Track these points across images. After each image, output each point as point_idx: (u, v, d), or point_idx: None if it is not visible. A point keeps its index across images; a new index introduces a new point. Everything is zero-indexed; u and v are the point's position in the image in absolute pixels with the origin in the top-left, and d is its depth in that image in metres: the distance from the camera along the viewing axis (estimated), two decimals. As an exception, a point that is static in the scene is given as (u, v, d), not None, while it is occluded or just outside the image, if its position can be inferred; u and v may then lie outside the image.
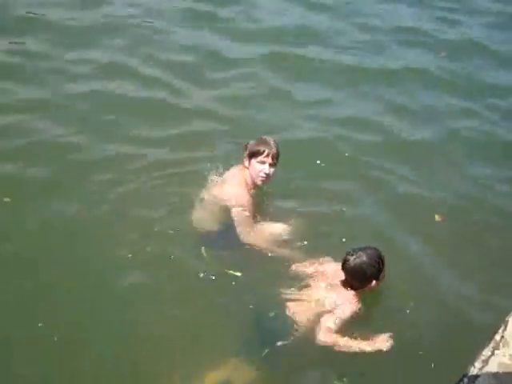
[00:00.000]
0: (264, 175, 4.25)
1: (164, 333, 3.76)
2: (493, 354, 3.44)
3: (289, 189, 4.86)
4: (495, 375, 3.29)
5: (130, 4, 7.91)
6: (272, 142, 4.27)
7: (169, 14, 7.85)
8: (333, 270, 3.92)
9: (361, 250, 3.70)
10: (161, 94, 6.23)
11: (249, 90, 6.46)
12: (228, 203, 4.24)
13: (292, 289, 3.90)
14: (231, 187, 4.31)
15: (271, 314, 3.73)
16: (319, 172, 5.22)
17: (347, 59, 7.15)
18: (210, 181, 4.50)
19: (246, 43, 7.31)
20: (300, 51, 7.22)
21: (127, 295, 3.96)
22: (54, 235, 4.34)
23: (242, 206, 4.22)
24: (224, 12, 7.95)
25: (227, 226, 4.27)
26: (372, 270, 3.67)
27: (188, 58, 6.91)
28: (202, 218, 4.36)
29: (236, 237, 4.23)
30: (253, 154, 4.25)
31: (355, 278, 3.70)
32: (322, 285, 3.86)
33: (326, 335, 3.58)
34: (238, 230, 4.21)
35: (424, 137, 5.90)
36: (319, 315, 3.71)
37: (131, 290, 3.99)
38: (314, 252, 4.23)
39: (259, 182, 4.30)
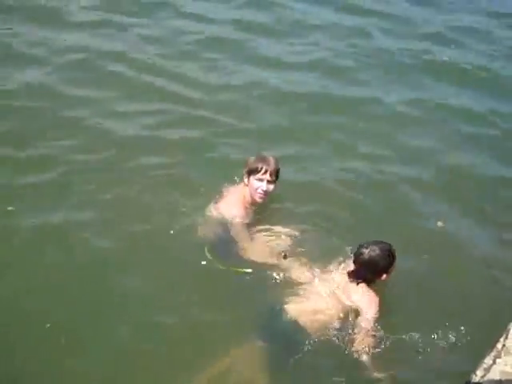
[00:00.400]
0: (262, 192, 4.27)
1: (168, 332, 3.82)
2: (494, 362, 3.46)
3: (291, 200, 4.88)
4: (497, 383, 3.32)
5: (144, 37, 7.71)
6: (271, 159, 4.29)
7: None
8: (338, 271, 4.01)
9: (374, 243, 3.81)
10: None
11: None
12: (224, 219, 4.28)
13: (303, 287, 3.96)
14: (228, 203, 4.34)
15: (278, 308, 3.77)
16: (323, 185, 5.24)
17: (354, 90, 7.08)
18: (213, 195, 4.55)
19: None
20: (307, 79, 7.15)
21: (130, 298, 4.00)
22: (57, 240, 4.37)
23: (237, 222, 4.25)
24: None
25: (226, 235, 4.30)
26: (384, 262, 3.79)
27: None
28: (203, 226, 4.39)
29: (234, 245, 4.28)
30: (251, 172, 4.28)
31: (368, 270, 3.79)
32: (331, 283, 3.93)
33: (365, 337, 3.67)
34: (238, 243, 4.24)
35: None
36: (334, 314, 3.78)
37: (134, 292, 4.04)
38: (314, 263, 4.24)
39: (258, 200, 4.32)
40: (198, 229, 4.40)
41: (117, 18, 7.75)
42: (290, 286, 3.99)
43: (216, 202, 4.43)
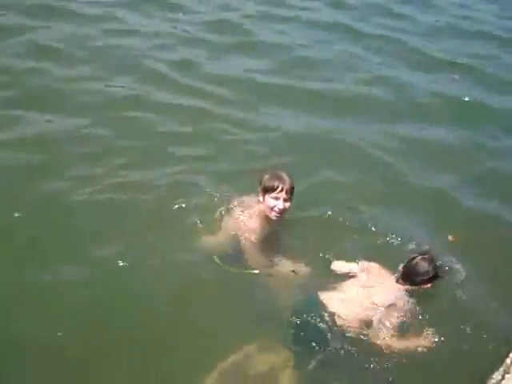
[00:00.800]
0: (278, 210, 4.25)
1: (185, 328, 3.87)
2: (503, 378, 3.42)
3: (306, 217, 4.84)
4: (506, 399, 3.24)
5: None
6: (286, 177, 4.25)
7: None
8: (378, 268, 4.20)
9: (425, 253, 4.11)
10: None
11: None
12: (239, 232, 4.27)
13: (330, 283, 4.08)
14: (244, 217, 4.31)
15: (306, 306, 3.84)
16: (340, 204, 5.16)
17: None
18: (226, 207, 4.52)
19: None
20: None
21: (143, 300, 4.02)
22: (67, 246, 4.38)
23: (250, 237, 4.23)
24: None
25: (238, 248, 4.30)
26: (434, 271, 4.04)
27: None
28: (215, 239, 4.38)
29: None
30: (267, 190, 4.24)
31: (416, 276, 4.01)
32: (364, 278, 4.09)
33: (384, 337, 3.80)
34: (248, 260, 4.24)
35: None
36: (364, 310, 3.88)
37: (147, 294, 4.07)
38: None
39: (273, 218, 4.30)
40: (210, 237, 4.40)
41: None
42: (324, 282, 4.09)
43: (232, 214, 4.42)
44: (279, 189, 4.17)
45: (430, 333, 3.84)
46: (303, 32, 8.83)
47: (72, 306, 3.94)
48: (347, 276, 4.20)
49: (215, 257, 4.22)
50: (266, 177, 4.26)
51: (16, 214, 4.52)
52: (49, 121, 5.80)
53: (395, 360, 3.70)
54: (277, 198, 4.20)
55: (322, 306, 3.82)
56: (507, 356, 3.54)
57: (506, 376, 3.41)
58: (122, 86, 6.67)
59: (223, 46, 7.97)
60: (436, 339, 3.80)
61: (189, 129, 6.01)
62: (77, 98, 6.24)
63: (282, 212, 4.26)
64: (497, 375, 3.45)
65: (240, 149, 5.76)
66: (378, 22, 9.55)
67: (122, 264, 4.23)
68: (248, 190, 4.61)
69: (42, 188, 4.86)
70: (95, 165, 5.22)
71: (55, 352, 3.64)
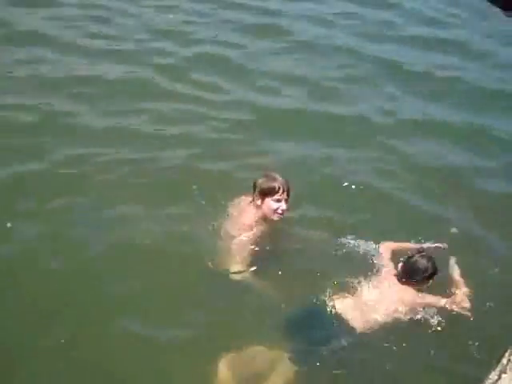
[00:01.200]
0: (281, 212, 4.30)
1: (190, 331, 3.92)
2: (500, 377, 3.41)
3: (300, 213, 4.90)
4: (502, 399, 3.25)
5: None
6: (280, 178, 4.32)
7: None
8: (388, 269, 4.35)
9: (422, 252, 4.28)
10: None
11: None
12: (234, 236, 4.29)
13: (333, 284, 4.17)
14: (241, 222, 4.34)
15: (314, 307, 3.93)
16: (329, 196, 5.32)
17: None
18: (223, 213, 4.55)
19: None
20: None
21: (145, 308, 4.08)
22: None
23: (253, 243, 4.26)
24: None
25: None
26: (433, 268, 4.21)
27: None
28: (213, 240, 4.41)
29: None
30: (267, 193, 4.28)
31: (416, 275, 4.17)
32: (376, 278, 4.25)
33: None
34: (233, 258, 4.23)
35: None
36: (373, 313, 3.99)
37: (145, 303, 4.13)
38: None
39: (276, 219, 4.35)
40: (206, 241, 4.43)
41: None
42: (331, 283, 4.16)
43: (229, 219, 4.43)
44: (280, 190, 4.23)
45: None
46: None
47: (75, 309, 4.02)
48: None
49: (209, 263, 4.24)
50: (262, 180, 4.30)
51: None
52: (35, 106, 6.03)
53: (395, 361, 3.77)
54: (278, 200, 4.24)
55: (324, 307, 3.89)
56: (503, 356, 3.55)
57: (503, 376, 3.42)
58: (108, 72, 6.91)
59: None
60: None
61: (179, 115, 6.30)
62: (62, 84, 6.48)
63: (284, 213, 4.31)
64: (493, 375, 3.46)
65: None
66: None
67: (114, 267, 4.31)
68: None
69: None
70: (82, 150, 5.38)
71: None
